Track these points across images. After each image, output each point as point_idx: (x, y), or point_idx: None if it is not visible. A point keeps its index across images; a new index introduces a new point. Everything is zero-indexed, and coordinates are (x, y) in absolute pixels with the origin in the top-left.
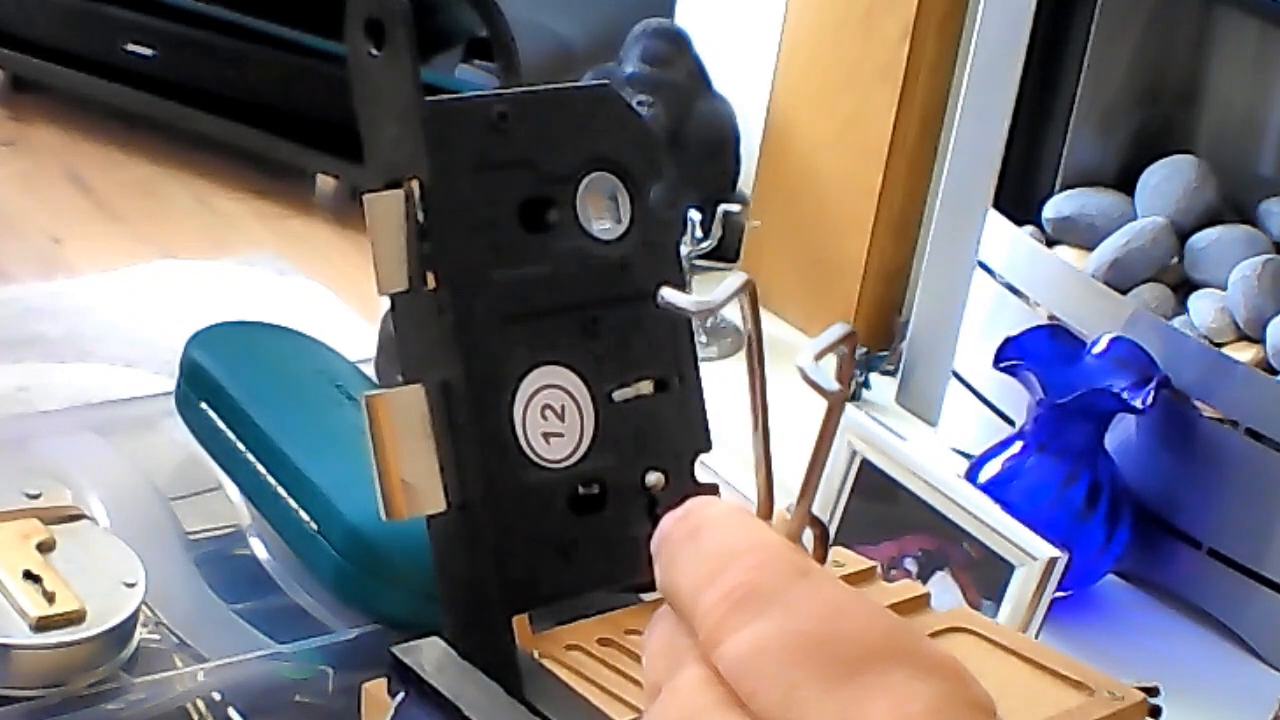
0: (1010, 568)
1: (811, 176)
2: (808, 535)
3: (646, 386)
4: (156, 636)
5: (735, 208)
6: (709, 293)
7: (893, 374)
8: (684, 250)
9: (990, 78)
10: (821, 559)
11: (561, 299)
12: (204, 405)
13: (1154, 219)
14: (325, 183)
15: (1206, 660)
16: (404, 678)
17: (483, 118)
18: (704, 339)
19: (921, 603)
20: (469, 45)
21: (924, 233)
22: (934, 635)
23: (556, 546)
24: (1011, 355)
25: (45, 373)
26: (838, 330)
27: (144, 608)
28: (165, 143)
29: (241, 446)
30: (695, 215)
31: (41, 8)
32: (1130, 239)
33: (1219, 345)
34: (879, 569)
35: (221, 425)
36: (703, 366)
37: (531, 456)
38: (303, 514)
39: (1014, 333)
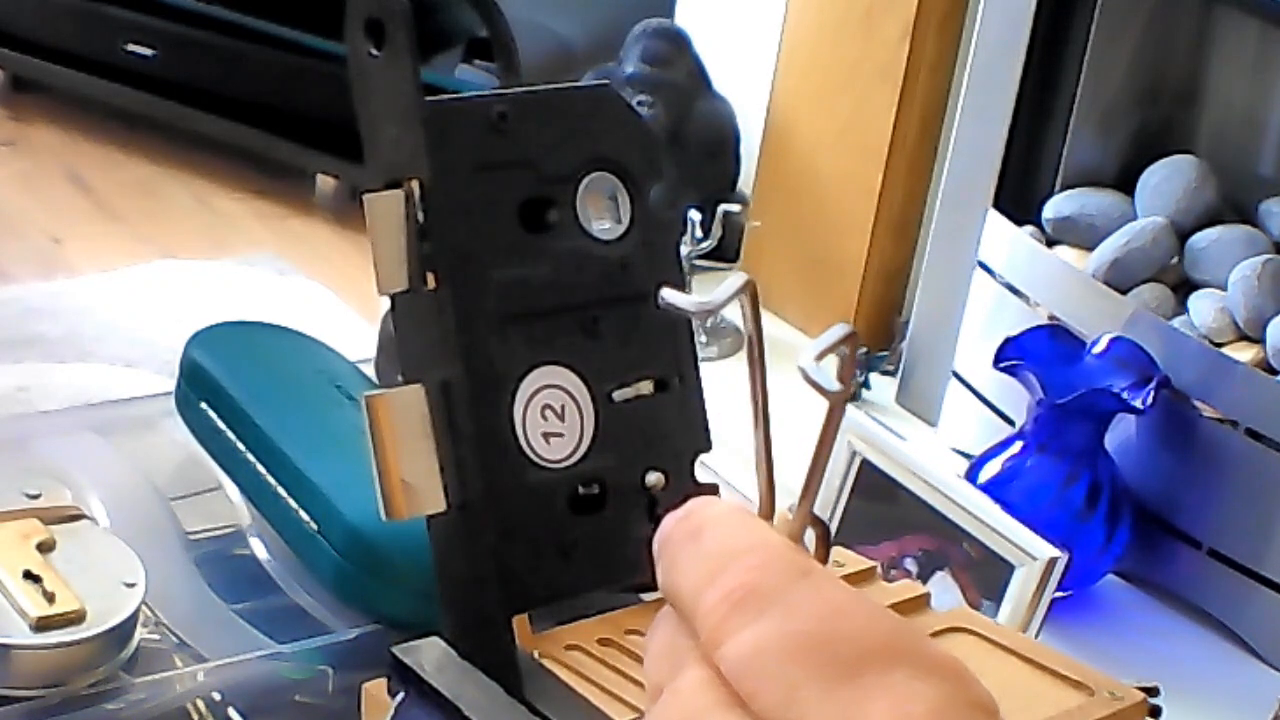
0: (1010, 568)
1: (811, 176)
2: (809, 535)
3: (646, 386)
4: (156, 636)
5: (735, 208)
6: (709, 293)
7: (893, 374)
8: (684, 250)
9: (990, 78)
10: (823, 559)
11: (561, 299)
12: (204, 405)
13: (1154, 219)
14: (325, 183)
15: (1206, 660)
16: (404, 678)
17: (483, 118)
18: (704, 339)
19: (921, 603)
20: (469, 45)
21: (924, 233)
22: (934, 635)
23: (556, 546)
24: (1011, 355)
25: (45, 373)
26: (839, 330)
27: (144, 608)
28: (165, 143)
29: (241, 446)
30: (695, 215)
31: (41, 8)
32: (1130, 239)
33: (1219, 345)
34: (879, 569)
35: (221, 425)
36: (703, 366)
37: (531, 456)
38: (303, 514)
39: (1014, 333)
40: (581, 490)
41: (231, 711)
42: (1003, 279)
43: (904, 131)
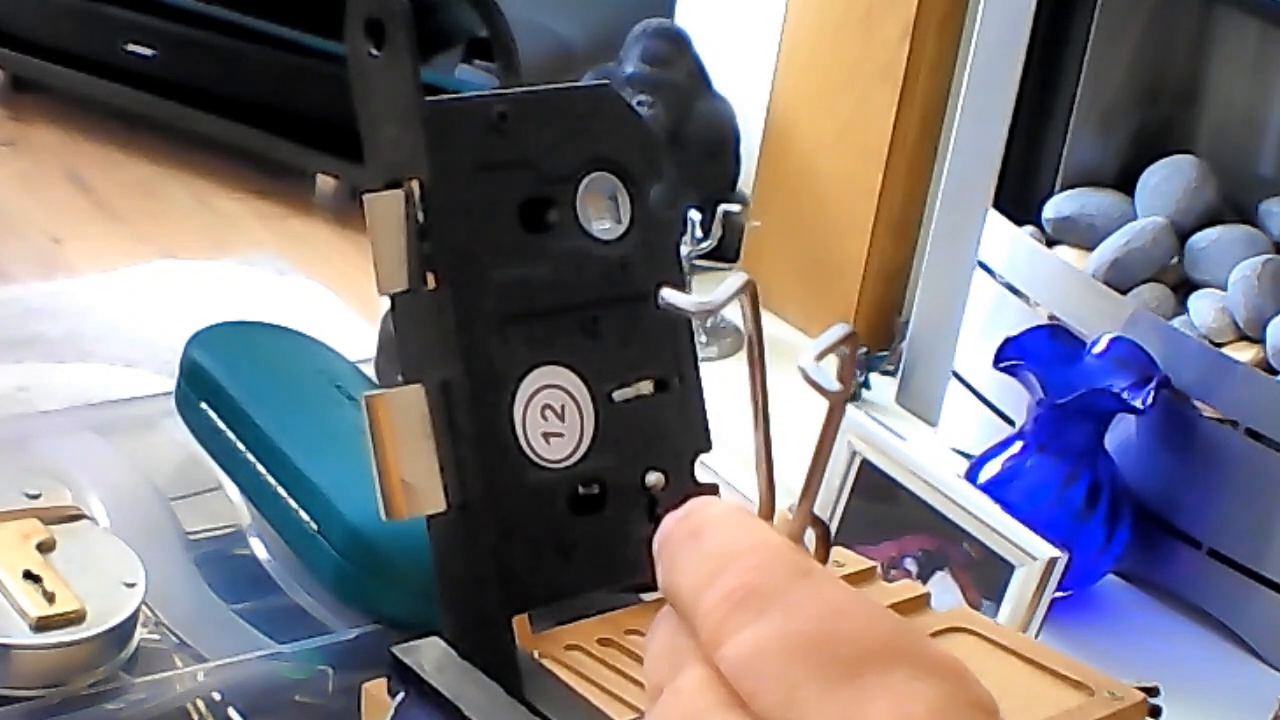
0: (1010, 568)
1: (811, 176)
2: (809, 536)
3: (646, 386)
4: (156, 636)
5: (735, 208)
6: (709, 293)
7: (893, 374)
8: (684, 250)
9: (990, 78)
10: (823, 559)
11: (561, 299)
12: (204, 405)
13: (1154, 219)
14: (325, 183)
15: (1206, 660)
16: (404, 678)
17: (483, 118)
18: (704, 339)
19: (921, 603)
20: (469, 45)
21: (924, 233)
22: (934, 635)
23: (556, 546)
24: (1011, 355)
25: (45, 373)
26: (839, 330)
27: (144, 608)
28: (165, 143)
29: (241, 446)
30: (695, 215)
31: (41, 8)
32: (1130, 239)
33: (1219, 345)
34: (879, 569)
35: (221, 425)
36: (703, 366)
37: (531, 456)
38: (303, 514)
39: (1014, 333)
40: (581, 490)
41: (231, 711)
42: (1003, 279)
43: (904, 131)
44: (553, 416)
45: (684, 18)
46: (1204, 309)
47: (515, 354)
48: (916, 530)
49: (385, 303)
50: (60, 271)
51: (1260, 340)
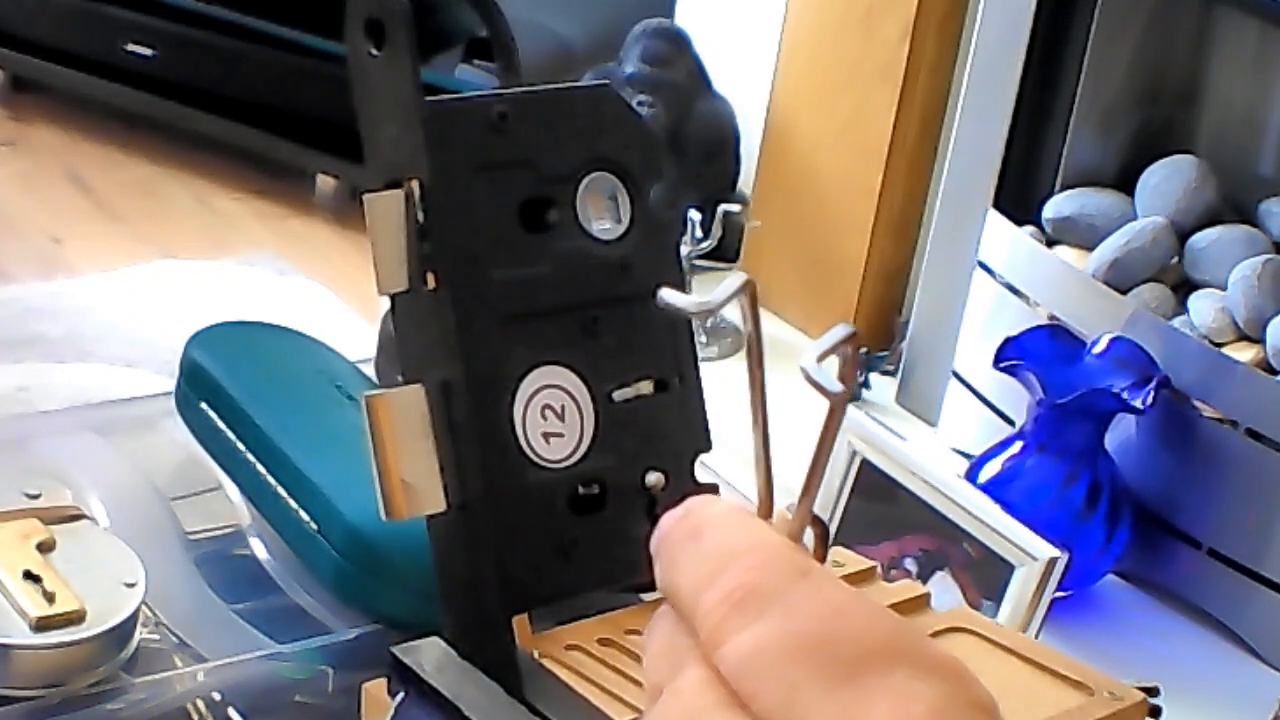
0: (1010, 568)
1: (811, 176)
2: (808, 535)
3: (646, 386)
4: (156, 636)
5: (735, 208)
6: (709, 293)
7: (893, 374)
8: (684, 250)
9: (990, 78)
10: (821, 558)
11: (561, 299)
12: (204, 405)
13: (1154, 219)
14: (325, 183)
15: (1206, 660)
16: (404, 678)
17: (483, 118)
18: (704, 339)
19: (921, 603)
20: (469, 45)
21: (924, 233)
22: (934, 635)
23: (556, 546)
24: (1011, 355)
25: (45, 373)
26: (840, 331)
27: (144, 608)
28: (165, 143)
29: (241, 446)
30: (695, 215)
31: (41, 8)
32: (1130, 239)
33: (1219, 345)
34: (879, 569)
35: (221, 425)
36: (703, 366)
37: (531, 456)
38: (303, 514)
39: (1014, 333)
40: (581, 490)
41: (231, 711)
42: (1003, 279)
43: (904, 131)
44: (553, 416)
45: (684, 18)
46: (1204, 309)
47: (515, 354)
48: (916, 530)
49: (385, 303)
50: (60, 271)
51: (1260, 340)
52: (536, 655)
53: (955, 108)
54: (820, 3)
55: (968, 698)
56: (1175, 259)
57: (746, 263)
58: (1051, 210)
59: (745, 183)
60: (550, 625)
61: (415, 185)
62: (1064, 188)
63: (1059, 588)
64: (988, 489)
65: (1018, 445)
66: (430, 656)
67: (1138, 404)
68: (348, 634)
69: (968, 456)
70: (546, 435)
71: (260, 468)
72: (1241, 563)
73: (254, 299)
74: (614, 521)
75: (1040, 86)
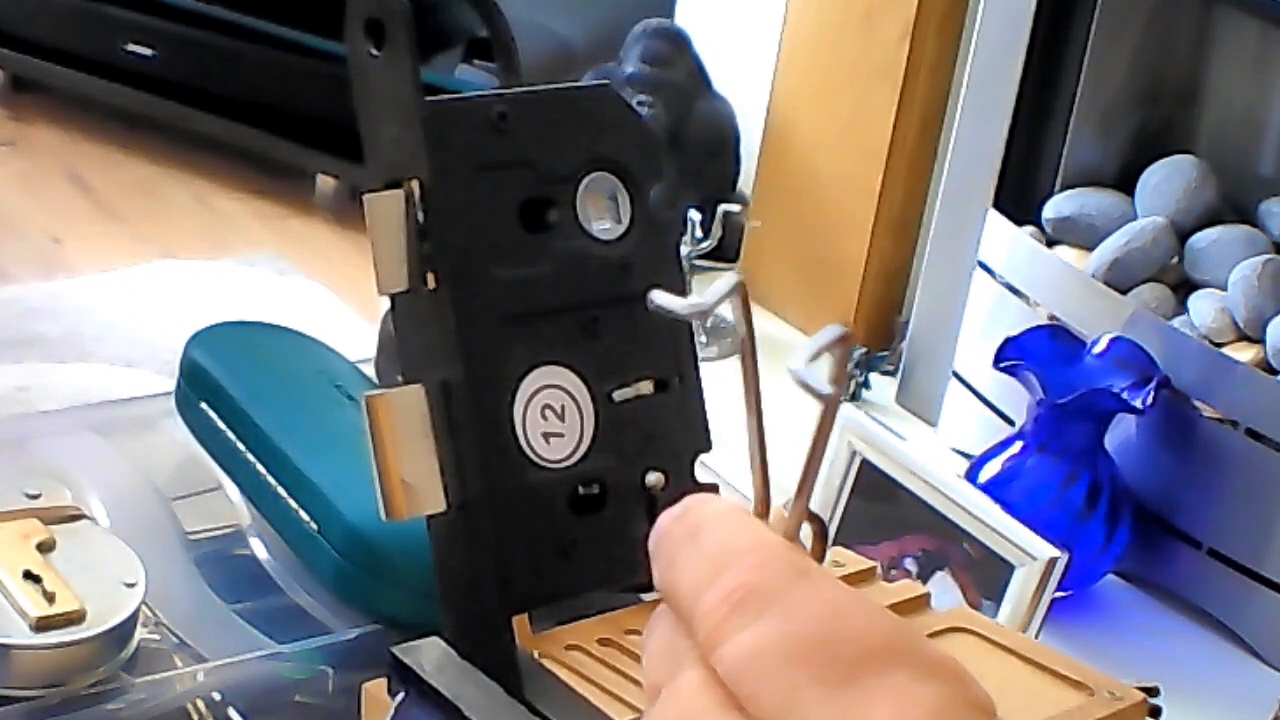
0: (1010, 568)
1: (811, 176)
2: (806, 533)
3: (646, 386)
4: (156, 636)
5: (735, 208)
6: (703, 294)
7: (893, 374)
8: (684, 250)
9: (990, 78)
10: (819, 556)
11: (561, 299)
12: (204, 405)
13: (1154, 219)
14: (325, 183)
15: (1206, 660)
16: (404, 678)
17: (483, 118)
18: (704, 339)
19: (921, 603)
20: (469, 45)
21: (924, 233)
22: (934, 635)
23: (556, 546)
24: (1011, 355)
25: (45, 373)
26: (830, 332)
27: (144, 608)
28: (165, 143)
29: (241, 446)
30: (695, 215)
31: (41, 8)
32: (1130, 239)
33: (1219, 345)
34: (879, 569)
35: (221, 425)
36: (703, 366)
37: (531, 456)
38: (303, 514)
39: (1014, 333)
40: (581, 490)
41: (231, 711)
42: (1003, 279)
43: (904, 131)
44: (553, 416)
45: (684, 18)
46: (1204, 309)
47: (515, 354)
48: (916, 530)
49: (385, 303)
50: (60, 271)
51: (1260, 340)
52: (536, 655)
53: (955, 108)
54: (820, 3)
55: (967, 699)
56: (1175, 259)
57: (746, 263)
58: (1051, 210)
59: (745, 183)
60: (550, 625)
61: (415, 185)
62: (1064, 188)
63: (1059, 588)
64: (988, 489)
65: (1018, 445)
66: (430, 656)
67: (1138, 404)
68: (348, 634)
69: (968, 456)
70: (546, 435)
71: (260, 468)
72: (1241, 563)
73: (254, 299)
74: (614, 521)
75: (1040, 86)
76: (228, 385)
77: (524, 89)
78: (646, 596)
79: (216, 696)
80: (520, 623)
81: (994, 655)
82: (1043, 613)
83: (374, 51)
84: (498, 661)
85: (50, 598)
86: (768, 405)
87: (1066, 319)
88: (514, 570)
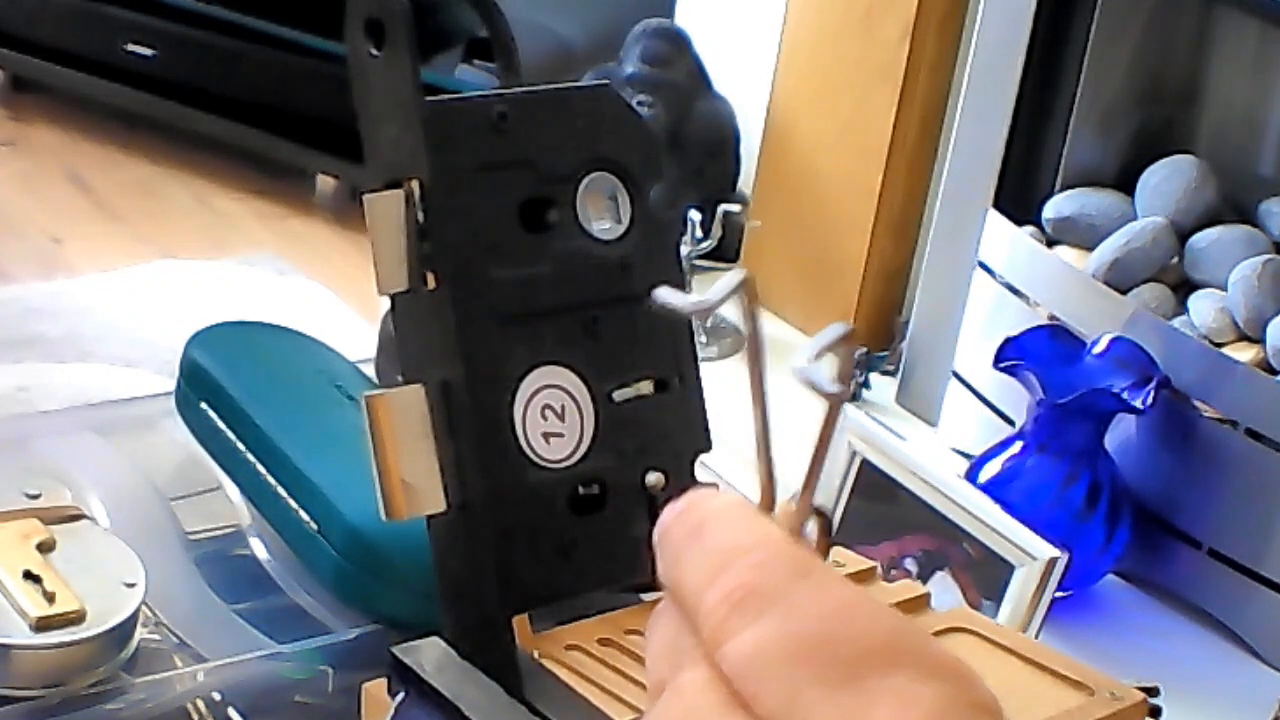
0: (1010, 568)
1: (811, 176)
2: (811, 527)
3: (646, 386)
4: (156, 636)
5: (735, 208)
6: (706, 292)
7: (893, 374)
8: (684, 250)
9: (990, 78)
10: (825, 551)
11: (561, 299)
12: (204, 405)
13: (1154, 219)
14: (325, 183)
15: (1206, 660)
16: (404, 678)
17: (483, 118)
18: (704, 339)
19: (921, 603)
20: (469, 45)
21: (924, 233)
22: (934, 635)
23: (556, 546)
24: (1011, 355)
25: (45, 373)
26: (835, 330)
27: (144, 608)
28: (165, 143)
29: (241, 446)
30: (695, 215)
31: (41, 8)
32: (1130, 239)
33: (1219, 345)
34: (879, 569)
35: (221, 425)
36: (703, 366)
37: (531, 456)
38: (303, 514)
39: (1014, 333)
40: (581, 490)
41: (231, 711)
42: (1003, 279)
43: (904, 131)
44: (553, 416)
45: (684, 18)
46: (1204, 309)
47: (515, 354)
48: (916, 530)
49: (385, 303)
50: (60, 271)
51: (1260, 340)
52: (536, 655)
53: (955, 108)
54: (820, 3)
55: (970, 699)
56: (1175, 259)
57: (746, 263)
58: (1051, 210)
59: (745, 183)
60: (550, 625)
61: (415, 185)
62: (1064, 188)
63: (1059, 588)
64: (988, 489)
65: (1018, 445)
66: (430, 656)
67: (1138, 404)
68: (348, 634)
69: (968, 456)
70: (546, 435)
71: (260, 468)
72: (1241, 563)
73: (254, 299)
74: (614, 521)
75: (1040, 86)
76: (228, 385)
77: (524, 89)
78: (646, 596)
79: (216, 696)
80: (520, 623)
81: (994, 655)
82: (1043, 613)
83: (374, 51)
84: (498, 661)
85: (50, 598)
86: (770, 400)
87: (1066, 319)
88: (514, 570)
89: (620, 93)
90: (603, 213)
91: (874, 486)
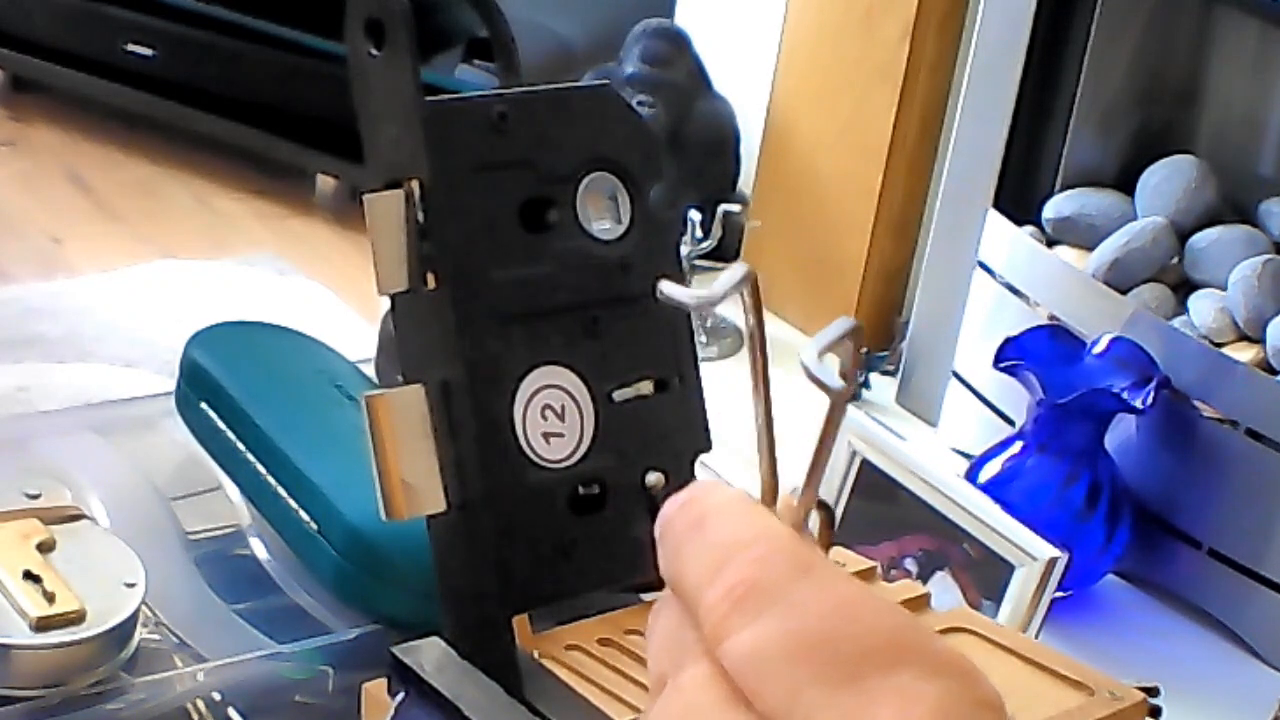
0: (1010, 568)
1: (811, 176)
2: (814, 521)
3: (646, 386)
4: (156, 636)
5: (735, 208)
6: (710, 286)
7: (893, 374)
8: (684, 250)
9: (990, 78)
10: (827, 544)
11: (561, 299)
12: (204, 405)
13: (1154, 219)
14: (325, 183)
15: (1206, 660)
16: (404, 678)
17: (483, 118)
18: (704, 339)
19: (921, 603)
20: (469, 45)
21: (924, 233)
22: None
23: (556, 546)
24: (1011, 355)
25: (45, 373)
26: (842, 324)
27: (144, 608)
28: (165, 143)
29: (241, 446)
30: (695, 215)
31: (41, 8)
32: (1130, 239)
33: (1219, 345)
34: (879, 569)
35: (221, 425)
36: (703, 366)
37: (531, 456)
38: (303, 514)
39: (1014, 333)
40: (581, 490)
41: (231, 711)
42: (1003, 279)
43: (904, 131)
44: (553, 416)
45: (684, 18)
46: (1204, 309)
47: (515, 354)
48: (916, 530)
49: (385, 303)
50: (60, 271)
51: (1260, 340)
52: (536, 655)
53: (955, 108)
54: (820, 3)
55: (974, 697)
56: (1175, 259)
57: (746, 263)
58: (1051, 210)
59: (745, 183)
60: (550, 625)
61: (415, 185)
62: (1064, 188)
63: (1059, 588)
64: (988, 489)
65: (1018, 445)
66: (430, 656)
67: (1138, 404)
68: (348, 634)
69: (968, 456)
70: (546, 435)
71: (260, 468)
72: (1241, 563)
73: (254, 299)
74: (614, 521)
75: (1040, 86)
76: (228, 385)
77: (524, 89)
78: (646, 596)
79: (216, 696)
80: (520, 623)
81: (994, 655)
82: (1043, 613)
83: (374, 51)
84: (498, 661)
85: (50, 598)
86: (772, 397)
87: (1066, 319)
88: (514, 570)
89: (620, 93)
90: (603, 213)
91: (874, 486)
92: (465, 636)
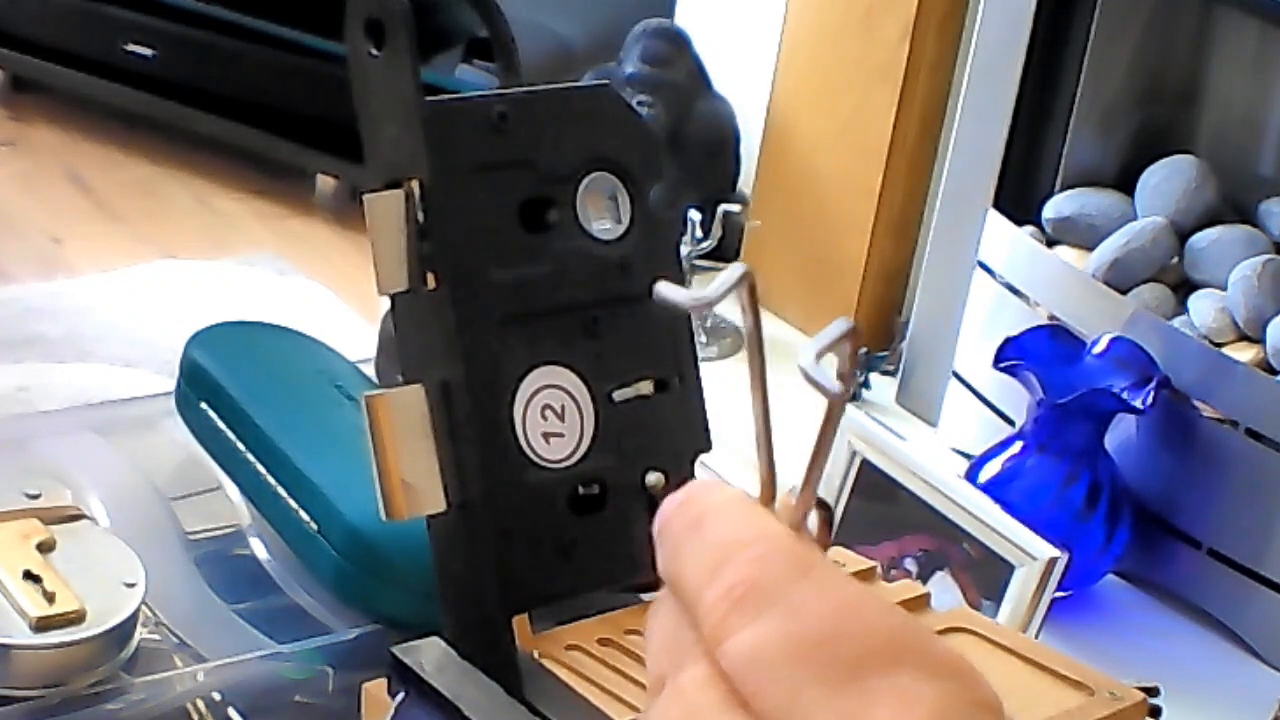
0: (1010, 568)
1: (811, 176)
2: (813, 520)
3: (646, 386)
4: (156, 636)
5: (735, 208)
6: (707, 287)
7: (893, 374)
8: (684, 250)
9: (990, 78)
10: (826, 545)
11: (561, 299)
12: (204, 405)
13: (1154, 219)
14: (325, 183)
15: (1206, 660)
16: (404, 678)
17: (483, 118)
18: (704, 339)
19: (921, 603)
20: (469, 45)
21: (924, 233)
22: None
23: (556, 546)
24: (1011, 355)
25: (45, 373)
26: (839, 326)
27: (144, 608)
28: (165, 143)
29: (241, 446)
30: (695, 215)
31: (41, 8)
32: (1130, 239)
33: (1219, 345)
34: (879, 569)
35: (221, 425)
36: (703, 366)
37: (531, 456)
38: (303, 514)
39: (1014, 333)
40: (581, 490)
41: (231, 711)
42: (1003, 279)
43: (904, 131)
44: (553, 416)
45: (684, 18)
46: (1204, 309)
47: (515, 354)
48: (916, 530)
49: (385, 303)
50: (60, 271)
51: (1260, 340)
52: (536, 655)
53: (955, 108)
54: (820, 3)
55: (973, 697)
56: (1175, 259)
57: (746, 262)
58: (1051, 210)
59: (745, 183)
60: (550, 625)
61: (415, 185)
62: (1064, 188)
63: (1059, 588)
64: (988, 489)
65: (1018, 445)
66: (430, 656)
67: (1138, 404)
68: (348, 634)
69: (968, 456)
70: (546, 435)
71: (260, 468)
72: (1241, 563)
73: (254, 299)
74: (614, 521)
75: (1040, 86)
76: (228, 385)
77: (524, 89)
78: (646, 596)
79: (216, 696)
80: (520, 623)
81: (994, 655)
82: (1043, 613)
83: (374, 51)
84: (498, 661)
85: (50, 598)
86: (770, 397)
87: (1066, 319)
88: (514, 570)
89: (620, 93)
90: (603, 213)
91: (874, 486)
92: (465, 636)
